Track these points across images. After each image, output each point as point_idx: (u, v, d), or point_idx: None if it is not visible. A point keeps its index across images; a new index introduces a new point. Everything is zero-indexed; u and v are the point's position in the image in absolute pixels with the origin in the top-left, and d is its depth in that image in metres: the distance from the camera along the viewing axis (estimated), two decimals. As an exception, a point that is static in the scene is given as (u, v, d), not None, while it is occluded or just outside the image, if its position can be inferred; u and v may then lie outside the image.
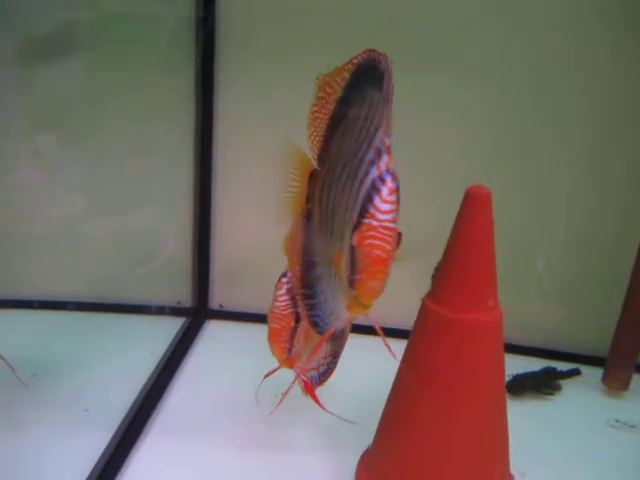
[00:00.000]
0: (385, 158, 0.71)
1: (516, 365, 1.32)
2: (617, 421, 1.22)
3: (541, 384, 1.29)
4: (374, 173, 0.70)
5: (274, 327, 0.91)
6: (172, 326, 1.42)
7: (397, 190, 0.70)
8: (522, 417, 1.21)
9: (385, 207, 0.69)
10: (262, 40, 1.37)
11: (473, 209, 0.87)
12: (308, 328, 0.90)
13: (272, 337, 0.92)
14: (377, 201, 0.70)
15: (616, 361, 1.30)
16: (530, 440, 1.14)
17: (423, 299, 0.91)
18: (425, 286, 0.93)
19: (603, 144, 1.34)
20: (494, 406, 0.92)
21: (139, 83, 1.37)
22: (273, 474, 1.02)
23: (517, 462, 1.05)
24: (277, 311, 0.91)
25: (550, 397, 1.29)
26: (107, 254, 1.46)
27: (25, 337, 1.34)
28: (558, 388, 1.30)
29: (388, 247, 0.70)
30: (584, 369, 1.36)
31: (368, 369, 1.17)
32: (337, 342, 0.98)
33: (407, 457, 0.92)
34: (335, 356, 0.99)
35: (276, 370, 0.96)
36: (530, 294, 1.43)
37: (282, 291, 0.91)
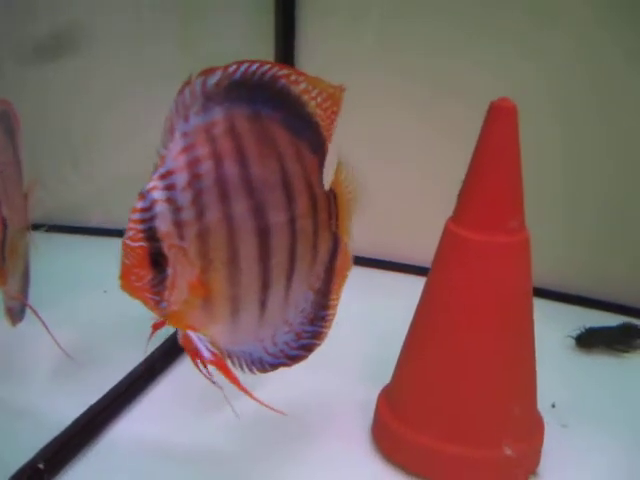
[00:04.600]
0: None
1: (595, 321, 1.24)
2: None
3: (615, 340, 1.19)
4: None
5: None
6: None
7: (142, 211, 0.65)
8: (586, 371, 1.15)
9: (129, 224, 0.65)
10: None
11: (496, 123, 0.81)
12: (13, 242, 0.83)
13: None
14: None
15: None
16: (586, 396, 1.07)
17: (447, 220, 0.87)
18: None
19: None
20: (514, 337, 0.86)
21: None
22: (296, 401, 1.03)
23: (562, 413, 1.00)
24: None
25: (623, 355, 1.19)
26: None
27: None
28: (635, 347, 1.20)
29: (125, 261, 0.65)
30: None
31: (391, 307, 1.13)
32: None
33: (422, 385, 0.88)
34: None
35: None
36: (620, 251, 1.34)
37: None
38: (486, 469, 0.86)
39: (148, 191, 0.65)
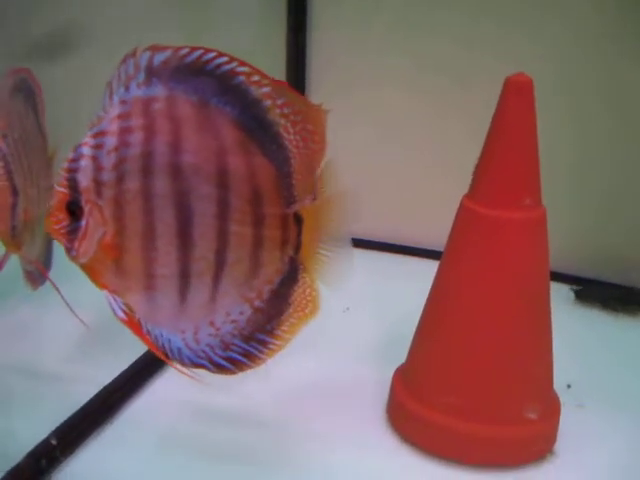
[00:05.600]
0: None
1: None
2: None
3: (611, 298, 1.20)
4: None
5: None
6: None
7: (70, 161, 0.68)
8: (602, 351, 1.14)
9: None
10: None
11: (512, 98, 0.80)
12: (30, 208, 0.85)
13: None
14: None
15: None
16: (602, 376, 1.06)
17: (463, 196, 0.86)
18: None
19: None
20: (530, 314, 0.85)
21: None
22: (312, 382, 1.03)
23: (578, 393, 1.00)
24: None
25: (620, 316, 1.20)
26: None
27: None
28: (629, 310, 1.19)
29: (52, 203, 0.70)
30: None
31: (405, 289, 1.13)
32: None
33: (437, 364, 0.88)
34: None
35: (5, 260, 0.86)
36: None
37: None
38: (502, 446, 0.86)
39: (80, 145, 0.68)
